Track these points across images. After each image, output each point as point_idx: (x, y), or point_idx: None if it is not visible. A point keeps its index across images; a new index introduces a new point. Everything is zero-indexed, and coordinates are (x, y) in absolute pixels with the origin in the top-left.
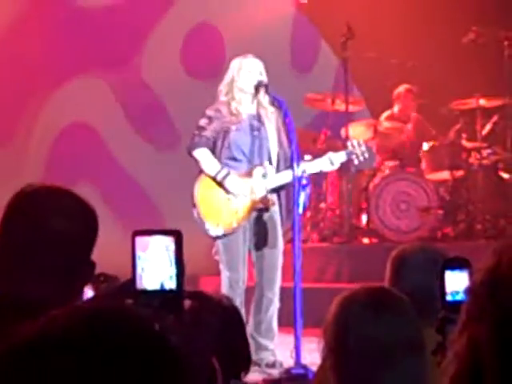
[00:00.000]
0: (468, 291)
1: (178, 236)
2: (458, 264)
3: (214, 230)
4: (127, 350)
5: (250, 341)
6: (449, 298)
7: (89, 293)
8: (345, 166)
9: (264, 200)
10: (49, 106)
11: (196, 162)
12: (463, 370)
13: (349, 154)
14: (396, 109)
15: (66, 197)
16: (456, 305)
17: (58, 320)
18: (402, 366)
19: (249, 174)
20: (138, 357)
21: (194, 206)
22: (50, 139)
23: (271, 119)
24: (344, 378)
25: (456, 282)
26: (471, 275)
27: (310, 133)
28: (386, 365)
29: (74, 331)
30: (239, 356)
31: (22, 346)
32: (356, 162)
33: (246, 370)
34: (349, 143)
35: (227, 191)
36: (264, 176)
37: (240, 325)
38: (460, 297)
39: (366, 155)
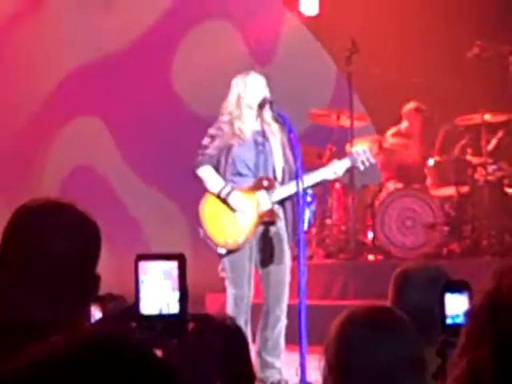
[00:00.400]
0: (468, 314)
1: (181, 260)
2: (458, 287)
3: (221, 247)
4: (127, 377)
5: (257, 358)
6: (449, 321)
7: (96, 314)
8: (350, 182)
9: (270, 213)
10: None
11: (200, 180)
12: None
13: (353, 161)
14: (403, 125)
15: (66, 211)
16: (456, 328)
17: (61, 344)
18: None
19: (254, 188)
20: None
21: (200, 225)
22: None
23: (275, 134)
24: None
25: (456, 305)
26: (471, 298)
27: (314, 149)
28: None
29: (76, 357)
30: (243, 376)
31: (25, 369)
32: (361, 167)
33: None
34: (353, 150)
35: (231, 208)
36: (269, 189)
37: (243, 345)
38: (460, 320)
39: (372, 160)
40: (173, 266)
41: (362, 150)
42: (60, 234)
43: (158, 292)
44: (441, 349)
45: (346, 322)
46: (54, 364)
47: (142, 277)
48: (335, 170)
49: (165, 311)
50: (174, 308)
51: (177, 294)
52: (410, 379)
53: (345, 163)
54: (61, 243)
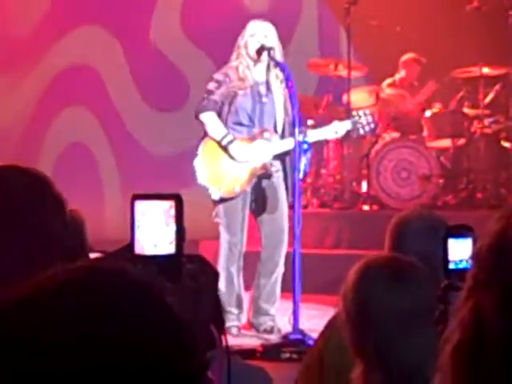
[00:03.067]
0: (474, 257)
1: (178, 200)
2: (461, 232)
3: (216, 193)
4: (128, 302)
5: (251, 305)
6: (452, 266)
7: None
8: (346, 132)
9: (266, 166)
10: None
11: (202, 124)
12: (467, 338)
13: (354, 123)
14: (399, 76)
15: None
16: (459, 273)
17: (57, 274)
18: (420, 334)
19: (253, 139)
20: (138, 311)
21: (197, 166)
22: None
23: (279, 86)
24: (361, 348)
25: (459, 250)
26: (475, 243)
27: (311, 98)
28: (404, 334)
29: (71, 283)
30: (222, 320)
31: (17, 299)
32: (361, 131)
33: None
34: (354, 112)
35: (231, 157)
36: (268, 141)
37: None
38: (463, 265)
39: (372, 126)
40: (169, 205)
41: (363, 114)
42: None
43: (153, 232)
44: (443, 294)
45: (363, 274)
46: (49, 291)
47: (137, 216)
48: (336, 130)
49: (160, 251)
50: (170, 248)
51: (173, 234)
52: (427, 328)
53: (346, 125)
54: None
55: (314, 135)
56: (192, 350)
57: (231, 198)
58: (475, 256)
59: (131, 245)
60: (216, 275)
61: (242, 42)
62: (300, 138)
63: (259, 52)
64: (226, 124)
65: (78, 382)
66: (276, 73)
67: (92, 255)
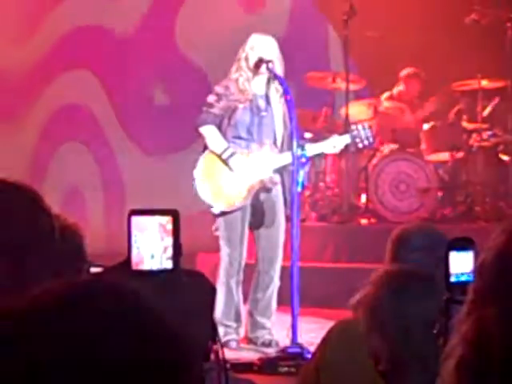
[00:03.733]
0: (476, 271)
1: (175, 215)
2: (463, 245)
3: (216, 207)
4: (123, 318)
5: (248, 318)
6: (453, 279)
7: None
8: (344, 145)
9: (266, 180)
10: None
11: (202, 138)
12: (470, 354)
13: (353, 138)
14: (398, 89)
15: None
16: (460, 286)
17: (52, 289)
18: None
19: (253, 152)
20: (132, 327)
21: (197, 179)
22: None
23: (279, 100)
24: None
25: (461, 263)
26: (477, 256)
27: (310, 111)
28: None
29: (68, 298)
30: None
31: (13, 313)
32: (360, 145)
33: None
34: (353, 126)
35: (232, 170)
36: (268, 155)
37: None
38: (465, 278)
39: (371, 140)
40: (166, 221)
41: (362, 128)
42: None
43: (150, 247)
44: (445, 307)
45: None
46: (43, 307)
47: (134, 232)
48: (335, 144)
49: (157, 266)
50: (167, 263)
51: (170, 250)
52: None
53: (345, 139)
54: None
55: (312, 149)
56: (187, 363)
57: (231, 212)
58: (478, 270)
59: (128, 260)
60: (213, 291)
61: (242, 55)
62: (298, 151)
63: (258, 65)
64: (225, 137)
65: None
66: (276, 86)
67: (94, 270)
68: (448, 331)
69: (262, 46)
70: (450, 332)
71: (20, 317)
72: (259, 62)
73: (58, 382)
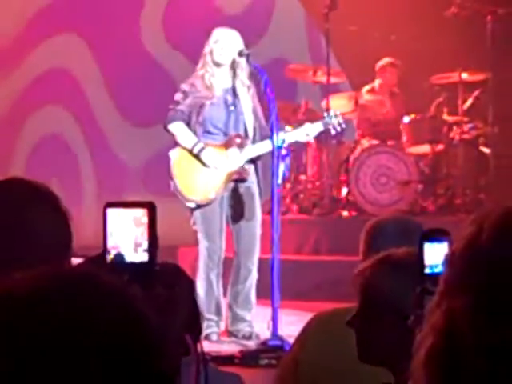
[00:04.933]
0: (446, 261)
1: (151, 208)
2: (437, 236)
3: (192, 202)
4: (96, 306)
5: (228, 312)
6: (427, 270)
7: None
8: (325, 138)
9: (240, 171)
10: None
11: (172, 135)
12: (440, 343)
13: (325, 125)
14: (378, 82)
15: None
16: (435, 277)
17: (25, 278)
18: None
19: (225, 145)
20: (106, 313)
21: (171, 178)
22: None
23: (247, 92)
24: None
25: (435, 255)
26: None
27: (290, 104)
28: None
29: (41, 288)
30: (199, 326)
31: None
32: (333, 132)
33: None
34: (325, 114)
35: (204, 164)
36: (240, 147)
37: (194, 292)
38: (439, 269)
39: (343, 126)
40: (142, 213)
41: (334, 114)
42: None
43: (126, 240)
44: (418, 299)
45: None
46: (17, 296)
47: (109, 224)
48: (307, 132)
49: (133, 259)
50: (143, 256)
51: (146, 242)
52: None
53: (317, 127)
54: None
55: (286, 138)
56: (160, 353)
57: (207, 205)
58: (448, 260)
59: (103, 252)
60: (191, 284)
61: (207, 50)
62: (279, 143)
63: (234, 60)
64: (195, 134)
65: None
66: (242, 79)
67: (75, 260)
68: (422, 323)
69: (226, 39)
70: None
71: None
72: (240, 55)
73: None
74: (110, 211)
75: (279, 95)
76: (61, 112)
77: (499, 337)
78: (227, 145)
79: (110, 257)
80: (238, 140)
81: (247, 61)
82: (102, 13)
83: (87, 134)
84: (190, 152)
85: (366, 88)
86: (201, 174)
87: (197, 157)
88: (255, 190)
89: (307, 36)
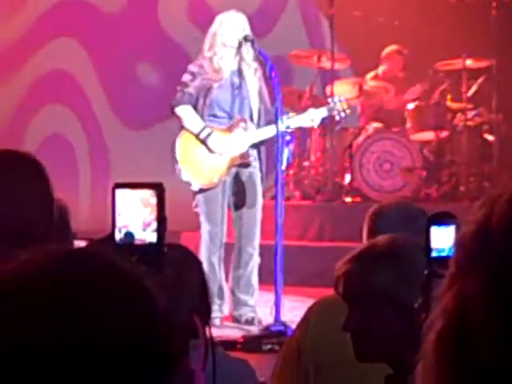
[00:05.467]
0: (457, 243)
1: (159, 189)
2: (444, 219)
3: (195, 184)
4: (104, 286)
5: (230, 297)
6: (434, 254)
7: None
8: (329, 124)
9: (244, 156)
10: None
11: (178, 118)
12: (451, 325)
13: (330, 110)
14: (382, 69)
15: None
16: (442, 261)
17: (34, 259)
18: None
19: (230, 129)
20: (114, 293)
21: (176, 161)
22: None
23: (253, 75)
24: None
25: (442, 238)
26: (458, 231)
27: (295, 89)
28: None
29: (48, 269)
30: (209, 309)
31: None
32: (337, 117)
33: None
34: (330, 99)
35: (210, 150)
36: (245, 131)
37: (204, 274)
38: (446, 253)
39: (348, 111)
40: (151, 194)
41: (338, 100)
42: None
43: (134, 220)
44: (426, 282)
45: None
46: (26, 276)
47: (118, 205)
48: (312, 117)
49: (142, 240)
50: (152, 237)
51: (154, 223)
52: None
53: (321, 112)
54: None
55: (290, 123)
56: (167, 334)
57: (210, 188)
58: (459, 242)
59: (112, 233)
60: (199, 264)
61: (214, 31)
62: (283, 128)
63: (242, 43)
64: (202, 117)
65: (53, 365)
66: (248, 62)
67: (78, 242)
68: (429, 307)
69: (233, 22)
70: (431, 307)
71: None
72: (244, 40)
73: (40, 363)
74: (119, 192)
75: (283, 81)
76: (63, 112)
77: (510, 319)
78: (232, 129)
79: (119, 235)
80: (243, 124)
81: (252, 46)
82: (101, 18)
83: (89, 133)
84: (196, 137)
85: (370, 74)
86: (205, 157)
87: (203, 142)
88: (257, 175)
89: (304, 20)
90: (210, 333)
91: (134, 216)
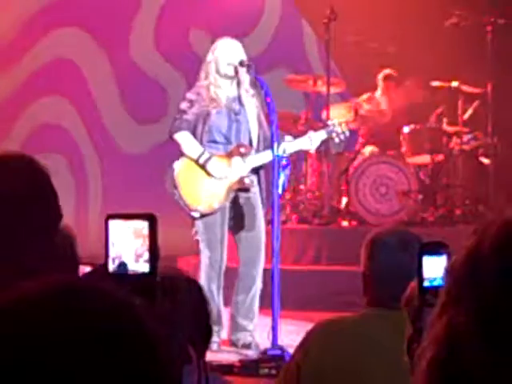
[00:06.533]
0: (447, 272)
1: (152, 220)
2: (436, 249)
3: (196, 210)
4: (103, 317)
5: (230, 321)
6: (426, 283)
7: None
8: (325, 148)
9: (244, 180)
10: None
11: (177, 144)
12: (441, 354)
13: (329, 133)
14: (378, 93)
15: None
16: (434, 290)
17: (28, 291)
18: None
19: (230, 155)
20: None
21: (175, 187)
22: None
23: (251, 100)
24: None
25: (434, 268)
26: (450, 260)
27: (290, 114)
28: None
29: (47, 298)
30: (208, 335)
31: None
32: (336, 140)
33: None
34: (329, 122)
35: (209, 174)
36: (244, 156)
37: (205, 302)
38: (438, 282)
39: (347, 134)
40: (143, 225)
41: (337, 123)
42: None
43: (127, 251)
44: (418, 311)
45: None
46: (22, 307)
47: (111, 235)
48: (311, 140)
49: (134, 271)
50: (144, 267)
51: (147, 253)
52: None
53: (321, 135)
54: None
55: (290, 147)
56: (166, 365)
57: (210, 214)
58: (449, 271)
59: (105, 263)
60: (196, 293)
61: (209, 60)
62: (279, 152)
63: (238, 69)
64: (201, 143)
65: None
66: (246, 88)
67: (82, 268)
68: (421, 336)
69: (228, 49)
70: (423, 337)
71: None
72: (241, 65)
73: None
74: (112, 223)
75: (279, 105)
76: (61, 101)
77: (500, 349)
78: (232, 154)
79: (112, 266)
80: (242, 149)
81: (247, 71)
82: (107, 7)
83: (89, 125)
84: (196, 162)
85: (364, 97)
86: (205, 183)
87: (202, 166)
88: (257, 200)
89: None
90: (204, 360)
91: (127, 246)
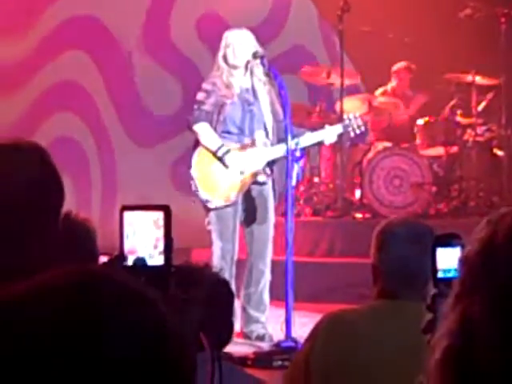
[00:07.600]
0: (462, 262)
1: (167, 211)
2: (449, 240)
3: (213, 202)
4: (120, 306)
5: (242, 313)
6: (440, 275)
7: None
8: (339, 141)
9: (260, 173)
10: None
11: (196, 135)
12: (456, 344)
13: (345, 127)
14: (392, 85)
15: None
16: (448, 282)
17: (46, 279)
18: None
19: (246, 147)
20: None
21: (192, 178)
22: None
23: (265, 92)
24: None
25: (448, 259)
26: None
27: (304, 106)
28: None
29: (66, 285)
30: (225, 330)
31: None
32: (352, 134)
33: (227, 342)
34: (345, 116)
35: (226, 167)
36: (261, 149)
37: (226, 296)
38: (452, 274)
39: (363, 128)
40: (158, 217)
41: (353, 117)
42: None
43: (142, 243)
44: (432, 302)
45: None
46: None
47: (126, 228)
48: (327, 134)
49: (149, 263)
50: (159, 260)
51: (161, 246)
52: None
53: (337, 129)
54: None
55: (305, 140)
56: (182, 353)
57: (227, 206)
58: (463, 261)
59: (120, 255)
60: (212, 283)
61: (220, 54)
62: (293, 145)
63: (251, 60)
64: (215, 132)
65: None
66: (258, 76)
67: (100, 258)
68: (435, 327)
69: (238, 41)
70: (438, 328)
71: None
72: (254, 56)
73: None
74: (127, 214)
75: (292, 97)
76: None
77: None
78: (248, 147)
79: (128, 261)
80: (259, 142)
81: (261, 62)
82: (107, 30)
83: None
84: (214, 154)
85: (380, 90)
86: (221, 175)
87: (220, 159)
88: (269, 192)
89: (321, 36)
90: (218, 352)
91: (142, 238)
